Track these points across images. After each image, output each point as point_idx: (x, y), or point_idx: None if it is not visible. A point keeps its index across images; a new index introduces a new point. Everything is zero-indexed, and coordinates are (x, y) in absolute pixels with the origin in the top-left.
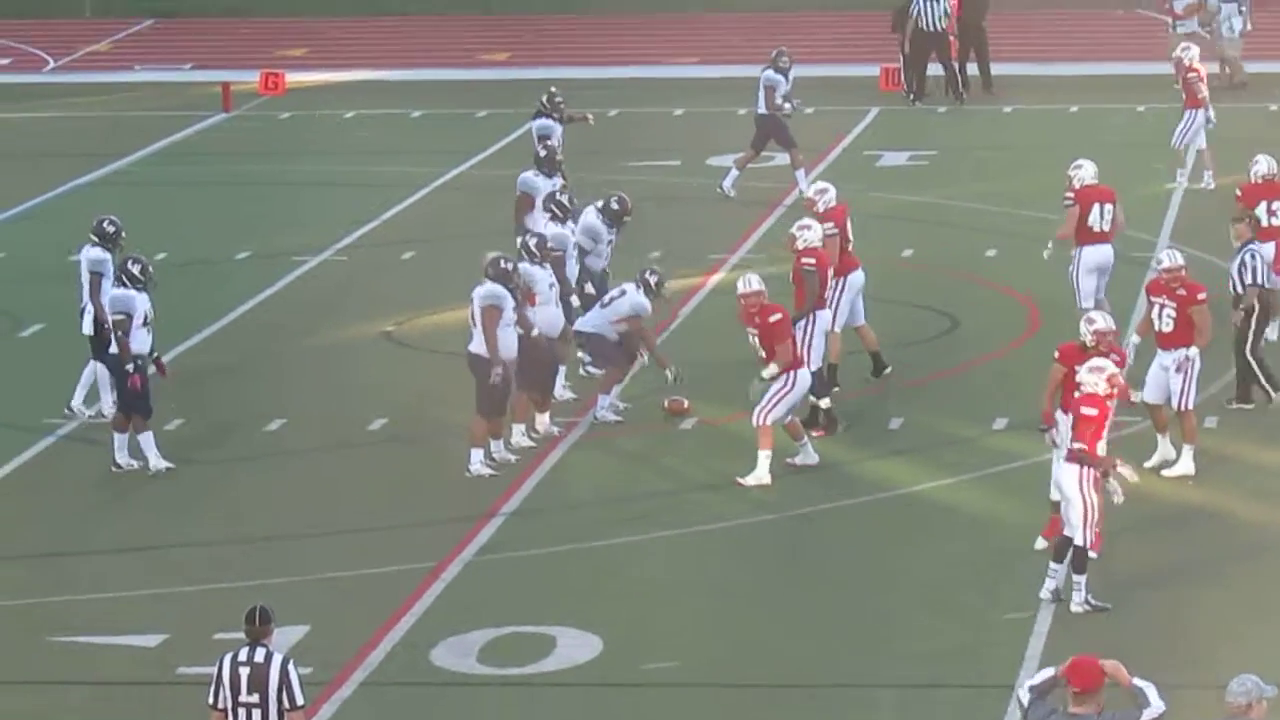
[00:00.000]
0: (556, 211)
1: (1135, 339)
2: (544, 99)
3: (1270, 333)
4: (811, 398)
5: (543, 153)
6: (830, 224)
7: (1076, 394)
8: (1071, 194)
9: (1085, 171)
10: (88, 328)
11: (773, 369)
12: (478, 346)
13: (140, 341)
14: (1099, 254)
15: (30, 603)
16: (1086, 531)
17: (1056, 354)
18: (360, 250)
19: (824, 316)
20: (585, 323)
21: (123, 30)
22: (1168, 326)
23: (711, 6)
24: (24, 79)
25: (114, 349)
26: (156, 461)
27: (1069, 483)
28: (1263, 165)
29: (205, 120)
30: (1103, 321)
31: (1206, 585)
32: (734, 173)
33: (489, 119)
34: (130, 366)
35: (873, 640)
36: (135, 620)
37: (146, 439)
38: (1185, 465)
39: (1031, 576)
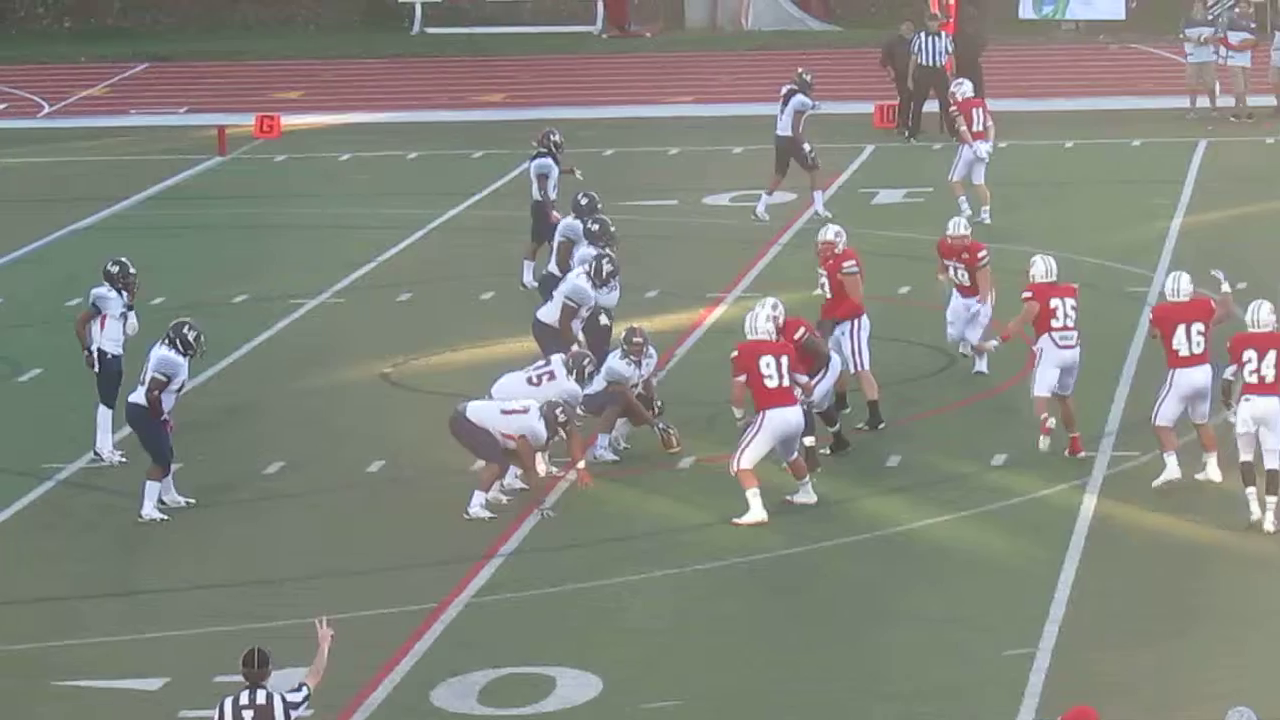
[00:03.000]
0: (590, 274)
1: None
2: (542, 138)
3: None
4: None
5: (584, 200)
6: (851, 262)
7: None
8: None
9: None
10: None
11: (736, 412)
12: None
13: (166, 404)
14: None
15: (31, 647)
16: None
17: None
18: (357, 292)
19: (836, 361)
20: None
21: (117, 74)
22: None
23: (704, 46)
24: (19, 124)
25: (137, 398)
26: (150, 510)
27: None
28: None
29: (200, 164)
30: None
31: (1208, 620)
32: (765, 198)
33: (485, 160)
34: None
35: (872, 678)
36: (136, 664)
37: (154, 487)
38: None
39: (1031, 612)
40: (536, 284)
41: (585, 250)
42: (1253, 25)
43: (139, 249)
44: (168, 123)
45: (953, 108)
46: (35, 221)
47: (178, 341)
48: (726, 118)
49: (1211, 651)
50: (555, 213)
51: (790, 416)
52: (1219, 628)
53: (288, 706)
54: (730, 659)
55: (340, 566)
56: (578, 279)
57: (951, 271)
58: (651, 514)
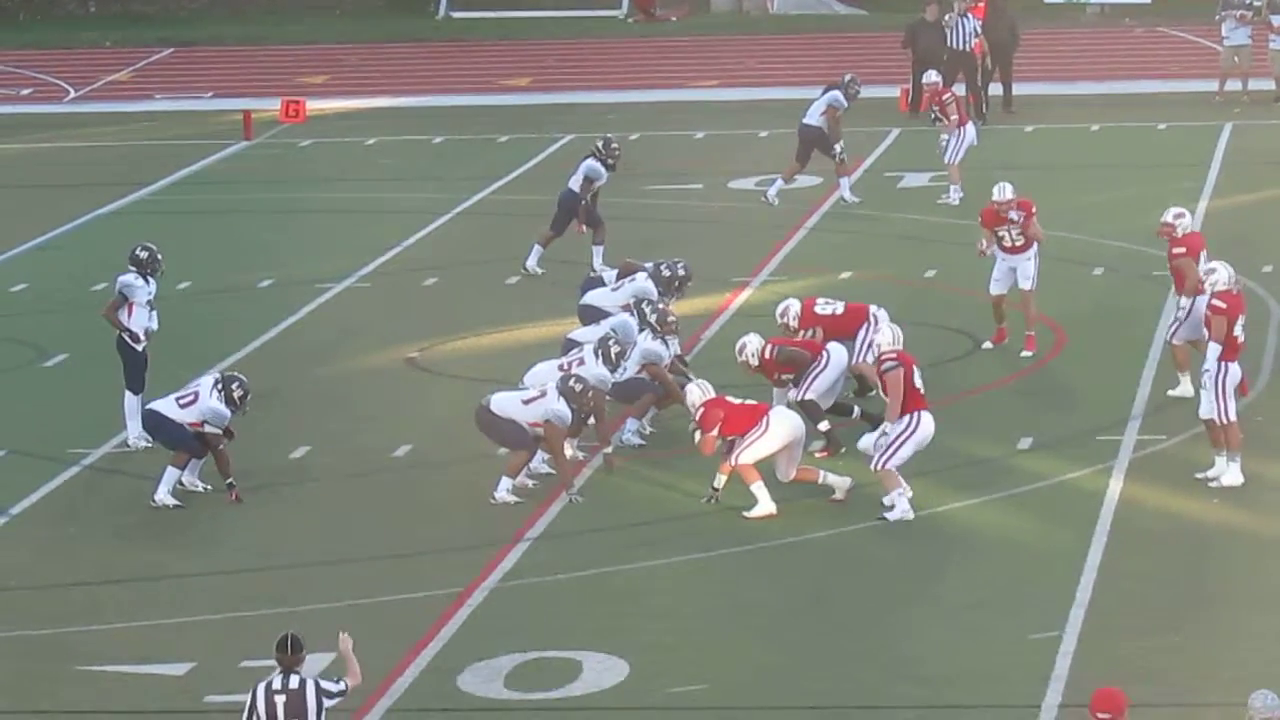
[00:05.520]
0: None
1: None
2: (600, 144)
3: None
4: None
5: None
6: (809, 330)
7: None
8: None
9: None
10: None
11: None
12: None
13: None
14: None
15: (58, 632)
16: None
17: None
18: (383, 277)
19: (838, 353)
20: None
21: (143, 59)
22: None
23: (730, 30)
24: (45, 109)
25: (162, 408)
26: (164, 495)
27: None
28: None
29: (226, 148)
30: None
31: (1233, 603)
32: (779, 183)
33: (510, 144)
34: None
35: (898, 662)
36: (162, 649)
37: (173, 473)
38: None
39: (1057, 596)
40: (540, 271)
41: (644, 284)
42: None
43: (164, 234)
44: (193, 107)
45: (946, 95)
46: (60, 207)
47: (223, 393)
48: (752, 101)
49: (1237, 634)
50: (582, 227)
51: (798, 419)
52: (1244, 611)
53: (320, 693)
54: (757, 643)
55: (366, 551)
56: (650, 342)
57: (1007, 234)
58: (677, 498)
